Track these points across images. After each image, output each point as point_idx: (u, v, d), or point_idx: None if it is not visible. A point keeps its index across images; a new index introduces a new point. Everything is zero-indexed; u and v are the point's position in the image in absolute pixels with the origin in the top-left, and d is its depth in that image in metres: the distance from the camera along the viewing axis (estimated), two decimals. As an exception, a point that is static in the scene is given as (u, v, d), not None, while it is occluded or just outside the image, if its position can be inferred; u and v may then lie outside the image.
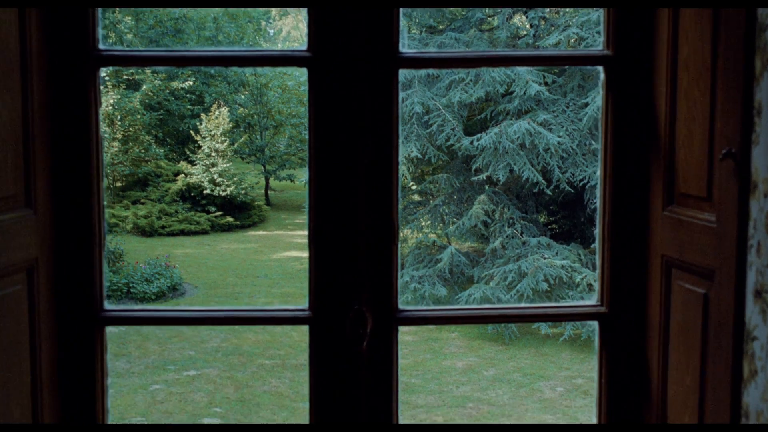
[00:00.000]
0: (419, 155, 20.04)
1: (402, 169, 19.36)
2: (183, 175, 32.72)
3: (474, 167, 19.86)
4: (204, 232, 30.71)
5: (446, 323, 3.23)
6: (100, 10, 2.92)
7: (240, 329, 18.27)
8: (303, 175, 34.67)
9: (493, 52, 2.87)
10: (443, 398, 14.51)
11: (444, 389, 15.00)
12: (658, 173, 2.91)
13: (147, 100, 34.65)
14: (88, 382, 2.99)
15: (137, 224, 29.71)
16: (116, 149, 32.36)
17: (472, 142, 19.33)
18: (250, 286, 22.62)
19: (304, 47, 2.94)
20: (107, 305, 2.98)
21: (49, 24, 2.87)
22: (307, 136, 2.96)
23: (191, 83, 35.69)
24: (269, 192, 38.43)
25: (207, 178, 31.94)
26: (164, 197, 32.04)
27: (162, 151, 35.34)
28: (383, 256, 2.95)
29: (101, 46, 2.95)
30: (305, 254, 2.94)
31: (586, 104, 19.22)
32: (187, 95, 37.01)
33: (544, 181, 19.29)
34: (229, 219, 31.66)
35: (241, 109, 37.84)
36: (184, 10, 37.26)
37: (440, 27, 22.63)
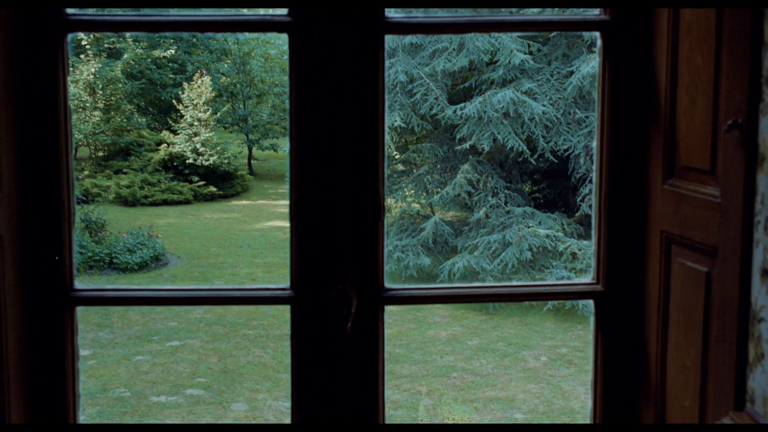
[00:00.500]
0: (403, 124, 19.99)
1: (386, 138, 19.32)
2: (165, 144, 32.58)
3: (458, 136, 19.80)
4: (187, 202, 30.59)
5: (434, 302, 3.11)
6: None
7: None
8: (286, 144, 34.40)
9: (483, 17, 2.73)
10: (427, 368, 14.50)
11: (428, 359, 14.98)
12: (657, 145, 2.78)
13: (129, 69, 34.54)
14: (57, 364, 2.86)
15: (119, 194, 29.54)
16: (98, 118, 32.26)
17: (455, 112, 19.29)
18: (234, 256, 22.56)
19: (285, 12, 2.79)
20: (78, 284, 2.84)
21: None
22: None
23: (173, 52, 35.60)
24: (252, 161, 38.36)
25: (190, 148, 31.80)
26: (147, 167, 31.89)
27: (144, 120, 35.30)
28: (369, 233, 2.81)
29: (69, 11, 2.77)
30: (289, 224, 2.79)
31: (571, 72, 19.18)
32: (169, 64, 36.92)
33: (528, 151, 19.27)
34: (212, 188, 31.53)
35: (224, 78, 37.71)
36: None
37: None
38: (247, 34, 36.36)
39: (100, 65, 31.90)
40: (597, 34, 2.86)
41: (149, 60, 35.63)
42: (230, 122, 37.53)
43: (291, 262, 2.84)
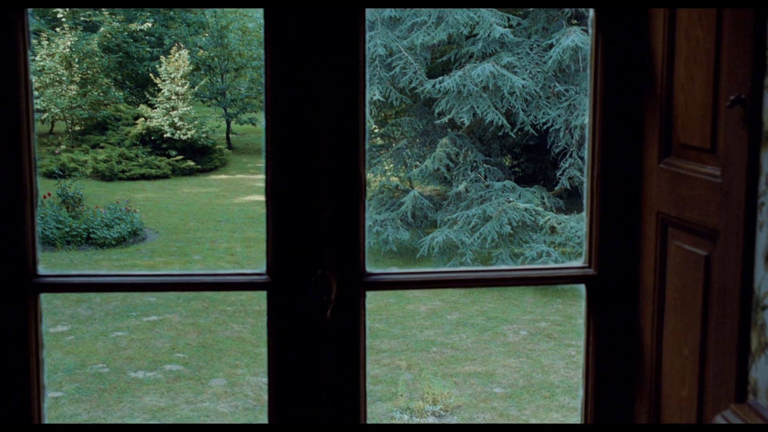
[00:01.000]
0: (382, 98, 19.97)
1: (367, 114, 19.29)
2: (143, 118, 32.38)
3: (437, 110, 19.74)
4: (165, 177, 30.44)
5: (418, 287, 2.99)
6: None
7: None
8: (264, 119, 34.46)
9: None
10: (407, 342, 14.48)
11: (407, 333, 14.97)
12: (653, 122, 2.66)
13: (105, 43, 34.31)
14: (21, 355, 2.71)
15: (97, 168, 29.35)
16: (74, 92, 32.01)
17: (434, 85, 19.24)
18: (212, 231, 22.49)
19: (260, -18, 2.65)
20: (41, 270, 2.69)
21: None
22: (268, 80, 2.69)
23: (150, 25, 35.41)
24: (230, 135, 38.20)
25: (167, 122, 31.63)
26: (124, 141, 31.70)
27: (121, 94, 35.10)
28: (349, 214, 2.69)
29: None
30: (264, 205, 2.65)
31: (551, 46, 19.15)
32: (146, 37, 36.74)
33: (508, 124, 19.23)
34: (190, 163, 31.38)
35: (202, 51, 37.48)
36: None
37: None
38: (224, 7, 36.17)
39: (77, 38, 31.64)
40: (591, 10, 2.73)
41: (126, 33, 35.40)
42: (208, 96, 37.36)
43: (267, 246, 2.71)
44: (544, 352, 14.08)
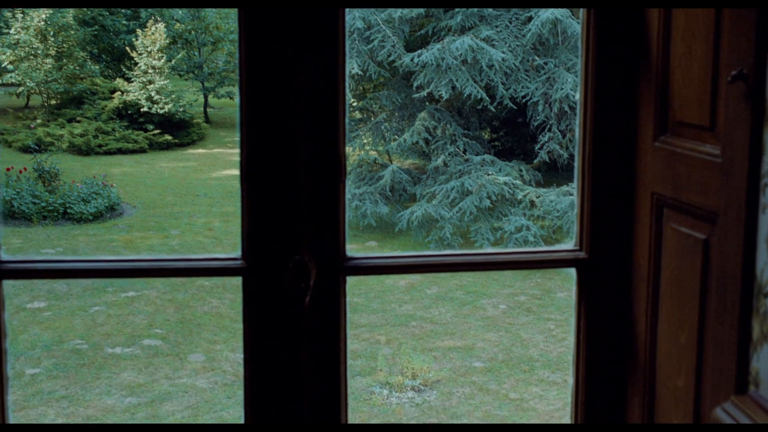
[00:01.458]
0: (360, 72, 19.91)
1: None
2: (119, 92, 32.23)
3: (416, 84, 19.67)
4: (142, 151, 30.31)
5: (401, 272, 2.88)
6: None
7: (179, 248, 18.18)
8: (240, 93, 34.41)
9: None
10: (386, 317, 14.48)
11: (387, 308, 14.97)
12: (648, 98, 2.55)
13: (81, 15, 34.17)
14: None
15: (73, 143, 29.16)
16: (50, 66, 31.81)
17: (413, 59, 19.18)
18: (190, 205, 22.44)
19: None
20: (4, 255, 2.56)
21: None
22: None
23: (125, -2, 35.12)
24: (208, 109, 38.11)
25: (144, 96, 31.49)
26: (101, 115, 31.53)
27: (97, 68, 34.96)
28: (328, 196, 2.56)
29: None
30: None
31: (530, 19, 19.14)
32: (122, 10, 36.44)
33: (487, 98, 19.21)
34: (168, 137, 31.25)
35: (178, 24, 37.28)
36: None
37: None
38: (201, -20, 36.03)
39: (51, 11, 31.43)
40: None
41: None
42: (185, 70, 37.22)
43: (242, 229, 2.59)
44: (523, 326, 14.10)
